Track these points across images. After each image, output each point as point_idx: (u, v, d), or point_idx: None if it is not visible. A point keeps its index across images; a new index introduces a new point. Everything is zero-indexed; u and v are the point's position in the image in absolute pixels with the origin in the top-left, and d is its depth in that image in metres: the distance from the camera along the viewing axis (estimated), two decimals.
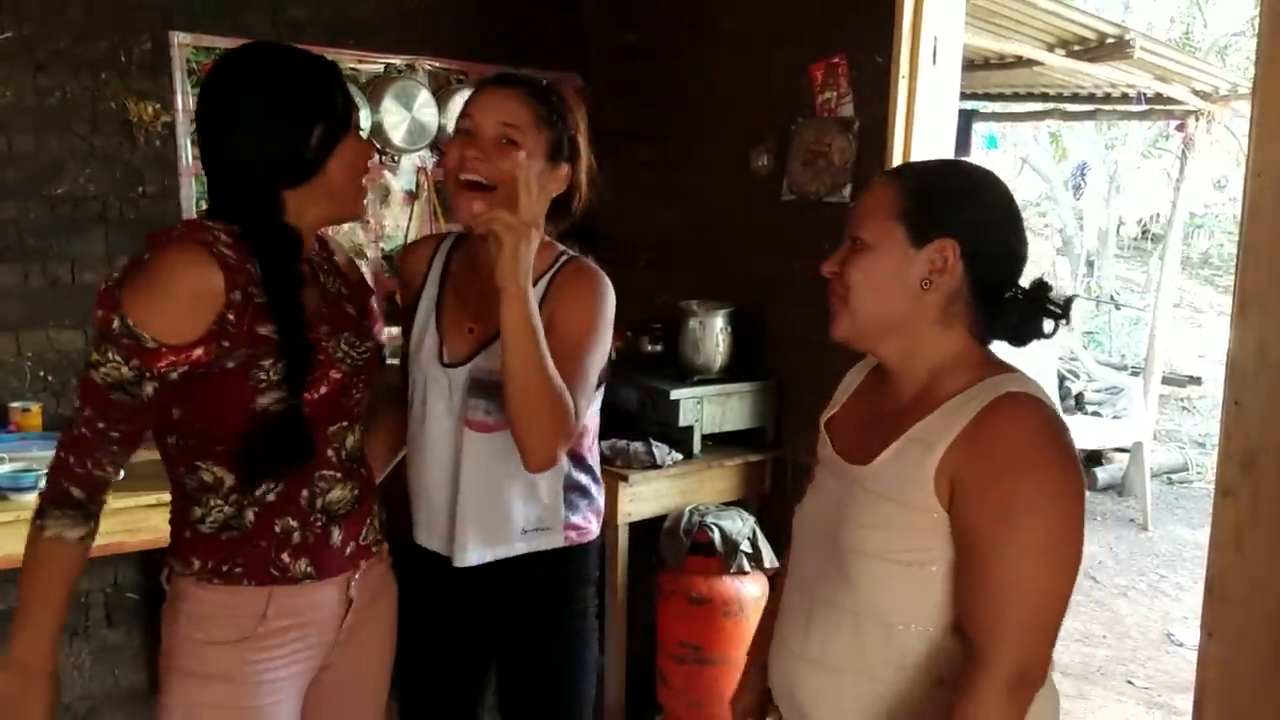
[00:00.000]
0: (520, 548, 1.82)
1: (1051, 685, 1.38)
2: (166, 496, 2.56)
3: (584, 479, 1.89)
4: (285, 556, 1.57)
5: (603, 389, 1.87)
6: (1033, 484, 1.28)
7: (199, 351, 1.44)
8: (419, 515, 1.87)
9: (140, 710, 3.27)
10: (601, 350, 1.76)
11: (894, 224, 1.37)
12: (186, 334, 1.43)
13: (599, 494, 1.95)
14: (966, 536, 1.30)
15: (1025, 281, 1.42)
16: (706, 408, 3.17)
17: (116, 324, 1.42)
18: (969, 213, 1.37)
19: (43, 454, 2.75)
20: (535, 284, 1.68)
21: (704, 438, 3.19)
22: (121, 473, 1.54)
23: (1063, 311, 1.40)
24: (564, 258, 1.81)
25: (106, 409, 1.46)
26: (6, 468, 2.60)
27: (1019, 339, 1.42)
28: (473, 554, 1.81)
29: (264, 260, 1.49)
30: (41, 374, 3.09)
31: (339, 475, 1.62)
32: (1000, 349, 1.44)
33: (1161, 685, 4.05)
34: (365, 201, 1.65)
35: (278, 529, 1.56)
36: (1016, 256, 1.41)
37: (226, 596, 1.56)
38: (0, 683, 1.50)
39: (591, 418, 1.88)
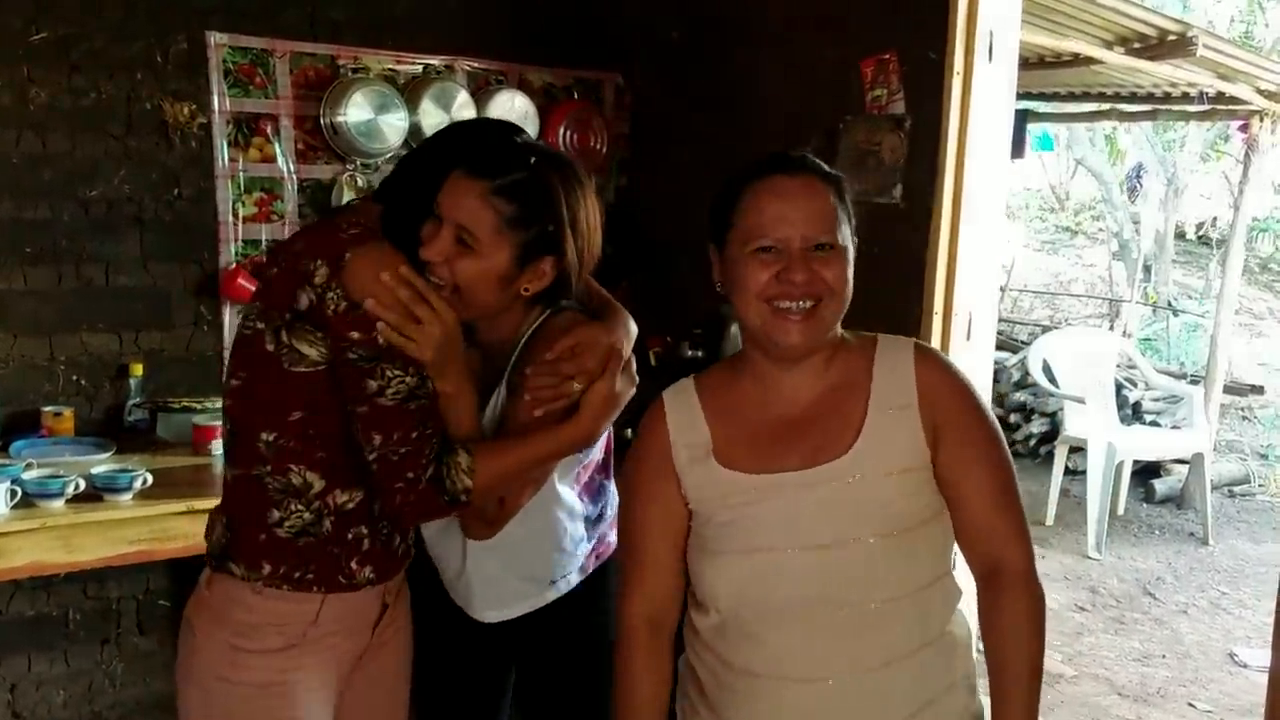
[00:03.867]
0: (551, 595, 1.81)
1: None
2: (198, 504, 2.55)
3: (593, 508, 1.86)
4: (354, 564, 1.60)
5: None
6: (977, 401, 1.48)
7: None
8: (443, 575, 1.87)
9: (172, 718, 3.22)
10: None
11: (845, 226, 1.45)
12: None
13: (610, 507, 1.89)
14: (954, 468, 1.42)
15: None
16: None
17: None
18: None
19: (74, 459, 2.70)
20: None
21: None
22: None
23: None
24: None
25: None
26: (35, 473, 2.52)
27: None
28: (490, 614, 1.82)
29: None
30: (74, 378, 3.05)
31: None
32: None
33: (1225, 709, 3.87)
34: None
35: (350, 536, 1.59)
36: None
37: (281, 604, 1.57)
38: None
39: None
